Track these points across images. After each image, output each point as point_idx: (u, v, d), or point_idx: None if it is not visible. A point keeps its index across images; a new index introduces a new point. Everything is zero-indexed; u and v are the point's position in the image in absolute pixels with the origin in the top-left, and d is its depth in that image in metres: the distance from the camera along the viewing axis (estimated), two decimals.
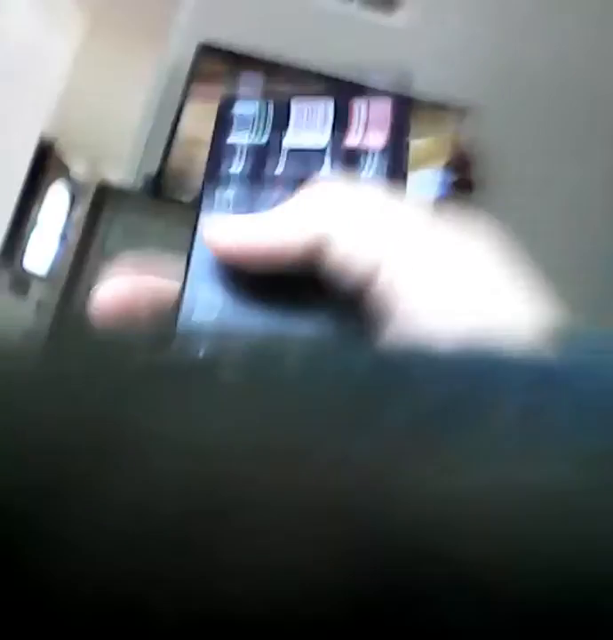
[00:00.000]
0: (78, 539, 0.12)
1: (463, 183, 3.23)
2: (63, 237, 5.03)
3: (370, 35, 3.43)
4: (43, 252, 5.02)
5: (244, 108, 0.35)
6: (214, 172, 0.34)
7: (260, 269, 0.30)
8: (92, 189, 3.06)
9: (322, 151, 0.33)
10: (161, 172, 3.09)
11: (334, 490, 0.13)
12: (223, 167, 0.34)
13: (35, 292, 4.76)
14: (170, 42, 3.52)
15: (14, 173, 4.69)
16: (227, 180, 0.33)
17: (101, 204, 2.93)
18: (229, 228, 0.31)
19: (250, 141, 0.34)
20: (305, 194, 0.30)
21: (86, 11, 5.66)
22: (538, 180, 3.35)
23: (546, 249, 3.27)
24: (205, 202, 0.34)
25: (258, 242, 0.30)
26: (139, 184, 3.25)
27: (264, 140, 0.34)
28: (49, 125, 5.35)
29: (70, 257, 2.98)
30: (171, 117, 3.15)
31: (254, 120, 0.35)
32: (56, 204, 5.17)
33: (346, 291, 0.28)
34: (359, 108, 0.34)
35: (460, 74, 3.38)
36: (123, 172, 3.55)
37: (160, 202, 2.98)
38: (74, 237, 3.00)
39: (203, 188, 0.34)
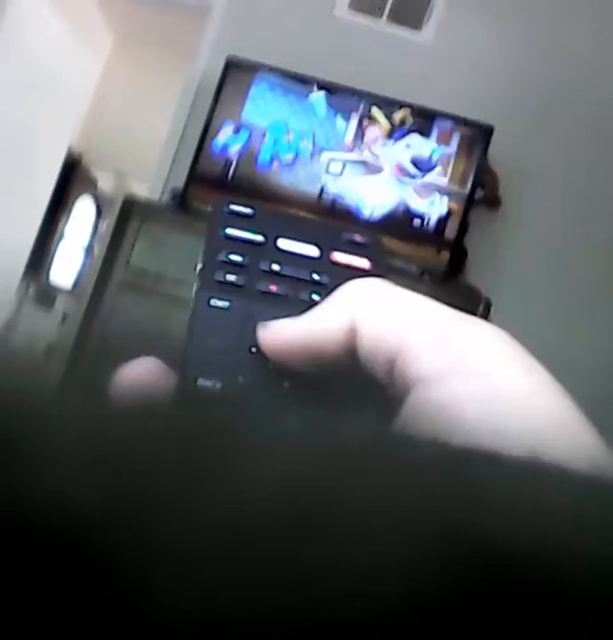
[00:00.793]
0: (177, 548, 0.13)
1: (489, 199, 3.24)
2: (89, 251, 5.06)
3: (397, 49, 3.45)
4: (68, 265, 5.06)
5: (240, 208, 0.37)
6: (212, 259, 0.36)
7: (307, 366, 0.32)
8: (119, 203, 3.07)
9: (315, 259, 0.36)
10: (187, 187, 3.11)
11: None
12: (221, 255, 0.36)
13: (61, 304, 4.80)
14: (197, 57, 3.55)
15: (42, 187, 4.74)
16: (225, 267, 0.35)
17: (127, 217, 2.95)
18: (279, 331, 0.32)
19: (247, 237, 0.36)
20: (340, 291, 0.32)
21: (114, 27, 5.72)
22: (559, 195, 3.35)
23: (564, 265, 3.27)
24: (202, 289, 0.35)
25: (305, 340, 0.31)
26: (166, 198, 3.27)
27: (260, 238, 0.36)
28: (76, 140, 5.40)
29: (96, 270, 3.00)
30: (199, 132, 3.18)
31: (250, 219, 0.37)
32: (82, 217, 5.21)
33: (376, 379, 0.29)
34: (340, 256, 0.37)
35: (485, 91, 3.39)
36: (149, 186, 3.58)
37: (186, 216, 3.00)
38: (100, 251, 3.01)
39: (200, 277, 0.35)
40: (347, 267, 0.36)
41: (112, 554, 0.12)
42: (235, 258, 0.35)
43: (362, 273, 0.35)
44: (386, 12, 3.45)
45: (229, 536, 0.13)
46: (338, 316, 0.30)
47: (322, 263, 0.36)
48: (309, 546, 0.13)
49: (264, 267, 0.35)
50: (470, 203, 3.05)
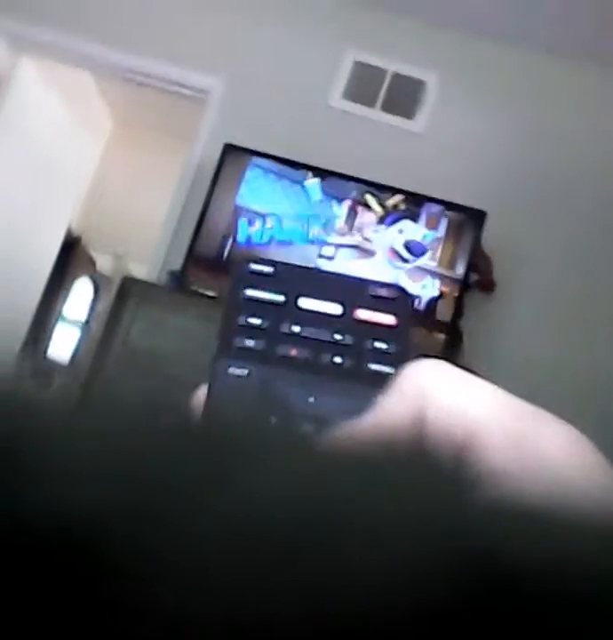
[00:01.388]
0: (184, 555, 0.13)
1: (484, 283, 3.27)
2: (87, 329, 5.08)
3: (390, 137, 3.53)
4: (66, 342, 5.07)
5: (261, 268, 0.36)
6: (231, 324, 0.35)
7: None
8: (117, 283, 3.10)
9: (338, 317, 0.35)
10: (185, 268, 3.15)
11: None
12: (240, 319, 0.34)
13: (59, 381, 4.78)
14: (195, 142, 3.62)
15: (41, 266, 4.78)
16: (242, 347, 0.34)
17: (125, 297, 2.97)
18: (348, 434, 0.30)
19: (267, 297, 0.35)
20: (405, 375, 0.30)
21: (114, 111, 5.83)
22: (554, 278, 3.39)
23: (560, 347, 3.29)
24: (220, 357, 0.34)
25: (376, 437, 0.30)
26: (164, 279, 3.30)
27: (280, 298, 0.35)
28: (76, 221, 5.46)
29: (94, 348, 3.02)
30: (196, 214, 3.23)
31: (271, 278, 0.35)
32: (81, 297, 5.24)
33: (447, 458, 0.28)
34: (363, 313, 0.35)
35: (479, 176, 3.46)
36: (147, 267, 3.61)
37: (184, 296, 3.03)
38: (97, 329, 3.03)
39: (218, 344, 0.34)
40: (372, 324, 0.34)
41: (118, 561, 0.13)
42: (255, 321, 0.34)
43: (386, 330, 0.34)
44: (380, 101, 3.54)
45: (235, 543, 0.13)
46: (407, 400, 0.29)
47: (346, 321, 0.34)
48: (316, 553, 0.14)
49: (284, 329, 0.34)
50: (465, 286, 3.09)
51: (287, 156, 3.23)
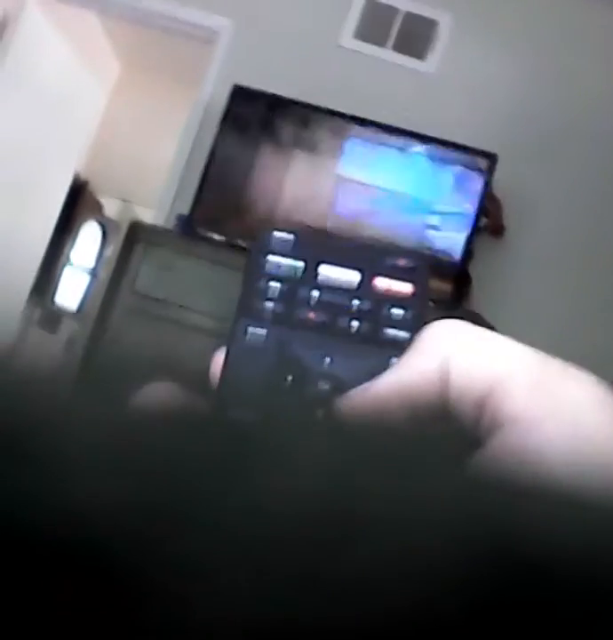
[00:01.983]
0: (208, 557, 0.13)
1: (494, 227, 3.25)
2: (94, 275, 5.08)
3: (401, 78, 3.48)
4: (74, 288, 5.08)
5: (283, 235, 0.36)
6: (251, 287, 0.35)
7: (404, 419, 0.30)
8: (124, 228, 3.09)
9: (354, 290, 0.35)
10: (193, 212, 3.13)
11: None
12: (261, 283, 0.35)
13: (66, 327, 4.80)
14: (203, 84, 3.59)
15: (48, 211, 4.76)
16: (262, 309, 0.35)
17: (133, 242, 2.96)
18: (365, 392, 0.31)
19: (287, 263, 0.36)
20: (427, 333, 0.31)
21: (120, 54, 5.77)
22: (564, 221, 3.37)
23: (568, 291, 3.28)
24: (240, 317, 0.35)
25: (400, 389, 0.30)
26: (171, 224, 3.29)
27: (300, 264, 0.36)
28: (83, 165, 5.43)
29: (101, 294, 3.01)
30: (204, 158, 3.20)
31: (292, 245, 0.36)
32: (88, 241, 5.23)
33: (468, 417, 0.28)
34: (381, 282, 0.36)
35: (488, 119, 3.42)
36: (155, 211, 3.60)
37: (192, 240, 3.01)
38: (105, 275, 3.03)
39: (238, 305, 0.35)
40: (390, 291, 0.35)
41: (140, 564, 0.13)
42: (275, 284, 0.35)
43: (404, 298, 0.35)
44: (391, 41, 3.49)
45: (258, 544, 0.13)
46: (430, 357, 0.30)
47: (364, 288, 0.35)
48: (336, 548, 0.13)
49: (303, 294, 0.35)
50: (474, 230, 3.06)
51: (297, 98, 3.18)
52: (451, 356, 0.29)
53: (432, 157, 3.10)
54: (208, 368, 0.33)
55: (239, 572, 0.13)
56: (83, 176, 5.40)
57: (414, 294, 0.35)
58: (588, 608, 0.13)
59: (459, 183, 3.08)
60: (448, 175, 3.09)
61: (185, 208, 3.22)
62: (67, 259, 5.01)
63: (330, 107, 3.16)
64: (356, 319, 0.34)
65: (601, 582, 0.14)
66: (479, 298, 3.17)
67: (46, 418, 0.16)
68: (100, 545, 0.13)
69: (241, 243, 2.97)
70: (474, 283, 3.17)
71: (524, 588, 0.13)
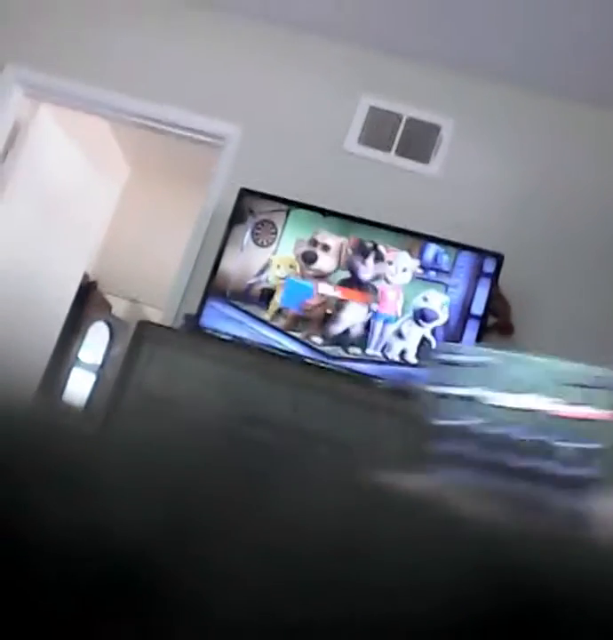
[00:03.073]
0: (233, 566, 0.14)
1: (503, 326, 3.26)
2: (102, 374, 5.08)
3: (406, 181, 3.54)
4: (81, 387, 5.08)
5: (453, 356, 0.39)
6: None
7: None
8: (132, 327, 3.11)
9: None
10: (200, 312, 3.15)
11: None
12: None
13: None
14: (211, 187, 3.65)
15: (57, 310, 4.80)
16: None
17: (141, 341, 2.97)
18: None
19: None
20: None
21: (130, 157, 5.90)
22: (572, 320, 3.38)
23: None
24: None
25: None
26: (179, 323, 3.31)
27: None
28: (92, 265, 5.50)
29: (108, 393, 3.02)
30: (212, 258, 3.24)
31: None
32: (97, 340, 5.26)
33: None
34: None
35: (493, 220, 3.47)
36: (163, 311, 3.63)
37: (199, 340, 3.03)
38: (113, 373, 3.04)
39: None
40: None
41: (169, 574, 0.13)
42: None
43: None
44: (395, 146, 3.56)
45: (282, 554, 0.14)
46: None
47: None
48: (359, 561, 0.14)
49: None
50: (482, 330, 3.08)
51: (302, 200, 3.24)
52: None
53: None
54: None
55: (266, 580, 0.13)
56: (92, 276, 5.46)
57: None
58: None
59: None
60: None
61: (193, 308, 3.25)
62: (76, 358, 5.02)
63: (336, 209, 3.22)
64: None
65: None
66: None
67: (79, 451, 0.17)
68: (135, 561, 0.13)
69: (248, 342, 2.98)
70: None
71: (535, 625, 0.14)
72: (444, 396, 0.34)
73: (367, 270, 3.15)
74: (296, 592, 0.13)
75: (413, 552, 0.15)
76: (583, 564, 0.16)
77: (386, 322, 3.09)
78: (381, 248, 3.16)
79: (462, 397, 0.34)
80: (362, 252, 3.16)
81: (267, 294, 3.16)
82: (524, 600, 0.14)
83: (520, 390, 0.33)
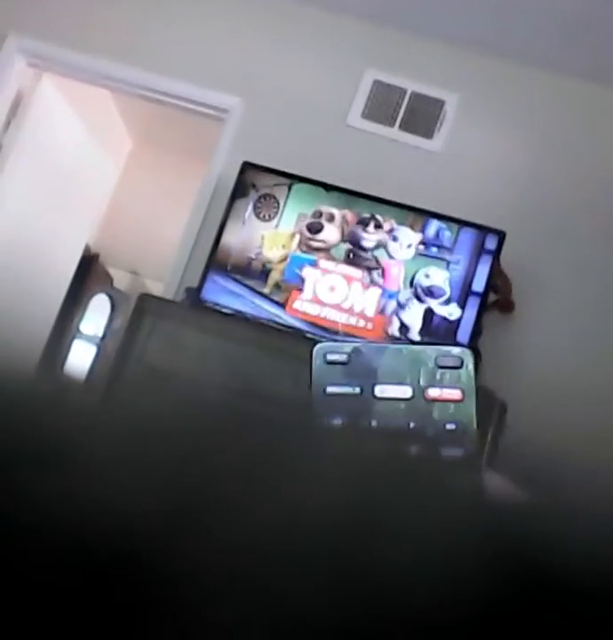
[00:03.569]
0: (226, 562, 0.13)
1: (504, 303, 3.27)
2: (103, 346, 5.09)
3: (409, 156, 3.54)
4: (83, 359, 5.08)
5: (336, 357, 0.40)
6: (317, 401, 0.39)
7: None
8: (134, 300, 3.11)
9: (409, 400, 0.38)
10: (202, 285, 3.16)
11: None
12: (323, 410, 0.39)
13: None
14: (213, 160, 3.64)
15: (58, 282, 4.81)
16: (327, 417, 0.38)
17: (142, 314, 2.97)
18: None
19: (345, 391, 0.39)
20: None
21: (132, 130, 5.88)
22: (574, 297, 3.38)
23: (578, 366, 3.27)
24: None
25: None
26: (180, 296, 3.31)
27: (357, 390, 0.39)
28: (94, 237, 5.50)
29: (109, 365, 3.02)
30: (214, 232, 3.24)
31: (347, 369, 0.39)
32: (98, 313, 5.25)
33: None
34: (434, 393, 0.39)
35: (496, 196, 3.46)
36: (164, 284, 3.63)
37: (200, 313, 3.03)
38: (114, 346, 3.04)
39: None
40: (441, 401, 0.38)
41: (162, 566, 0.13)
42: (336, 415, 0.38)
43: (455, 405, 0.38)
44: (399, 121, 3.55)
45: (280, 550, 0.14)
46: None
47: (417, 402, 0.38)
48: (362, 556, 0.14)
49: (364, 419, 0.38)
50: (483, 306, 3.08)
51: (305, 175, 3.23)
52: None
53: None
54: None
55: (269, 575, 0.13)
56: (94, 248, 5.45)
57: (462, 399, 0.38)
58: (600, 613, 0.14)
59: None
60: None
61: (194, 281, 3.25)
62: (77, 329, 5.03)
63: (339, 184, 3.21)
64: (414, 443, 0.37)
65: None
66: (489, 374, 3.16)
67: (78, 426, 0.16)
68: (132, 550, 0.13)
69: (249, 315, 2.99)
70: (484, 359, 3.17)
71: (544, 607, 0.14)
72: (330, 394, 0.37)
73: (369, 239, 3.14)
74: (300, 575, 0.13)
75: (423, 535, 0.15)
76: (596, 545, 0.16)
77: (390, 297, 3.09)
78: (378, 217, 3.15)
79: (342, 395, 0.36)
80: (362, 221, 3.16)
81: (268, 269, 3.16)
82: (534, 586, 0.14)
83: (391, 380, 0.35)
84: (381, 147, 3.56)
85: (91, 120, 4.75)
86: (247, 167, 3.27)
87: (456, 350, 0.40)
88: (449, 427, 0.36)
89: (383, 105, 3.58)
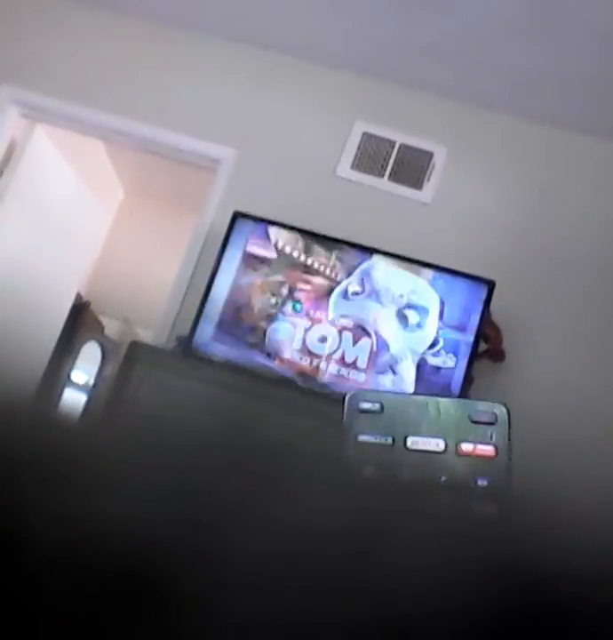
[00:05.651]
0: (241, 568, 0.14)
1: (494, 352, 3.28)
2: (94, 394, 5.07)
3: (398, 207, 3.57)
4: (74, 407, 5.06)
5: (369, 406, 0.40)
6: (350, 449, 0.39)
7: None
8: (125, 348, 3.11)
9: (441, 453, 0.38)
10: (193, 333, 3.16)
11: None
12: (356, 459, 0.39)
13: None
14: (205, 210, 3.67)
15: (49, 330, 4.80)
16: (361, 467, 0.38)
17: (133, 361, 2.97)
18: None
19: (377, 440, 0.39)
20: None
21: (124, 179, 5.91)
22: (564, 347, 3.39)
23: (570, 415, 3.27)
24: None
25: None
26: (171, 344, 3.31)
27: (389, 440, 0.39)
28: (85, 285, 5.50)
29: (100, 413, 3.01)
30: (205, 280, 3.25)
31: (380, 419, 0.39)
32: (89, 361, 5.25)
33: None
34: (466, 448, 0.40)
35: (485, 247, 3.49)
36: (155, 332, 3.63)
37: (191, 362, 3.03)
38: (105, 393, 3.03)
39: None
40: (474, 457, 0.38)
41: (176, 575, 0.13)
42: (369, 466, 0.38)
43: (488, 462, 0.38)
44: (388, 172, 3.59)
45: (290, 557, 0.14)
46: None
47: (449, 457, 0.38)
48: (365, 564, 0.14)
49: (395, 470, 0.38)
50: (474, 355, 3.09)
51: (295, 225, 3.26)
52: None
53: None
54: None
55: (277, 579, 0.13)
56: (85, 296, 5.46)
57: (496, 456, 0.38)
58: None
59: None
60: None
61: (185, 329, 3.25)
62: (68, 378, 5.01)
63: (329, 234, 3.23)
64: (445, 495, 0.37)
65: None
66: None
67: (86, 444, 0.17)
68: (144, 560, 0.13)
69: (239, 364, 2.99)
70: None
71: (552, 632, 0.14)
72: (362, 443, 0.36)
73: (358, 287, 3.16)
74: (308, 591, 0.13)
75: (425, 550, 0.15)
76: (595, 561, 0.16)
77: (383, 348, 3.10)
78: (371, 269, 3.17)
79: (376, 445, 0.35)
80: (350, 270, 3.18)
81: (258, 319, 3.17)
82: (540, 600, 0.14)
83: (424, 433, 0.34)
84: (371, 197, 3.59)
85: (83, 169, 4.78)
86: (238, 216, 3.29)
87: (490, 405, 0.40)
88: (481, 482, 0.37)
89: (372, 156, 3.62)
